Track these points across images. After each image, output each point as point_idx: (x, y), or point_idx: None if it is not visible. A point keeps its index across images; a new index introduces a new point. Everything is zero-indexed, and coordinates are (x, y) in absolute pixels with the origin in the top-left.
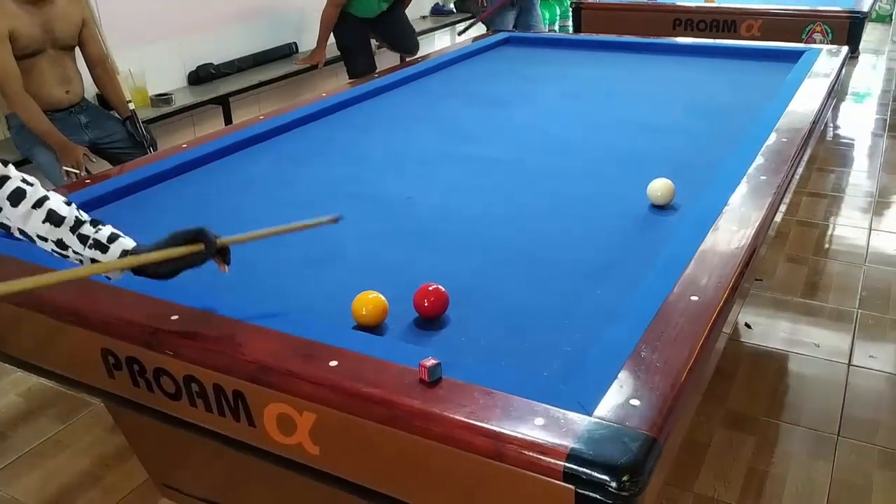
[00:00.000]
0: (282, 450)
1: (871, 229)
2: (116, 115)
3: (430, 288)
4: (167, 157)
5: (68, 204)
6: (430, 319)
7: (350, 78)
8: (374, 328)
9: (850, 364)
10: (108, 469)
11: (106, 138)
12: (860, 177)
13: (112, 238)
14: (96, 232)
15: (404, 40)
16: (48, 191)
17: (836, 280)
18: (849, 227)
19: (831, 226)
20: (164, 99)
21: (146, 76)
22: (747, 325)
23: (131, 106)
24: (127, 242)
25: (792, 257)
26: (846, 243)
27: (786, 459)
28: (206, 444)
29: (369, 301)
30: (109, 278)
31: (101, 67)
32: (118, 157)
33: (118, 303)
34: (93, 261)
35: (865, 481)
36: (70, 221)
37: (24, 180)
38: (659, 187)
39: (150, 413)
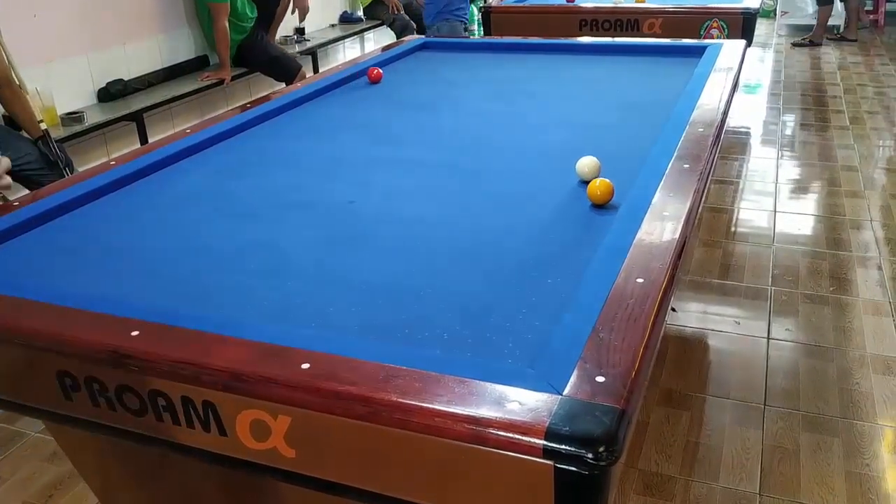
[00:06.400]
0: (255, 456)
1: (775, 211)
2: (27, 135)
3: None
4: (93, 176)
5: None
6: None
7: (287, 84)
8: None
9: (768, 338)
10: (51, 499)
11: (19, 160)
12: (761, 163)
13: None
14: None
15: (275, 67)
16: None
17: (748, 261)
18: (755, 210)
19: (739, 210)
20: (74, 117)
21: (54, 94)
22: (672, 309)
23: (43, 126)
24: None
25: (706, 241)
26: (754, 226)
27: (719, 431)
28: (160, 462)
29: (598, 186)
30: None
31: (8, 87)
32: (33, 180)
33: (73, 323)
34: None
35: (794, 445)
36: None
37: None
38: (586, 163)
39: (111, 432)
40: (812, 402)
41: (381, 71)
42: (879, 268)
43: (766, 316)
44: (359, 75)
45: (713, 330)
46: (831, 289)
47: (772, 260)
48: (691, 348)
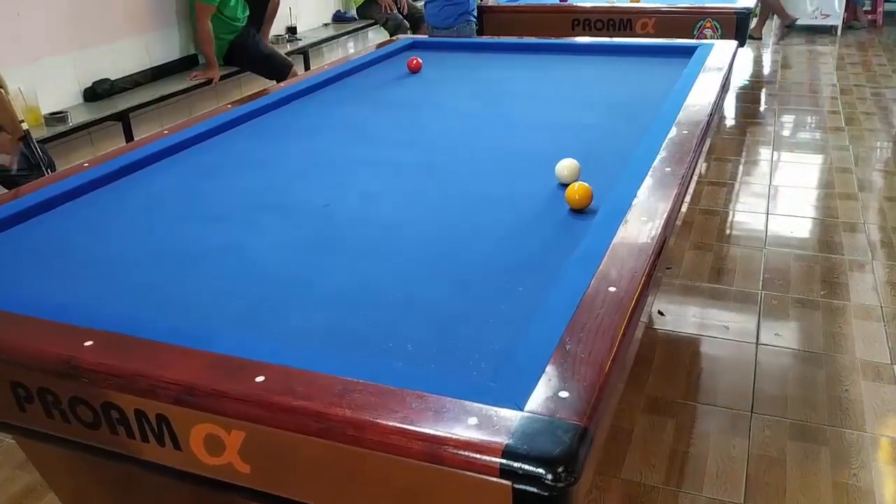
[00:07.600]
0: (210, 471)
1: (768, 214)
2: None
3: None
4: (66, 177)
5: None
6: None
7: (278, 81)
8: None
9: (757, 343)
10: None
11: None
12: (756, 165)
13: None
14: None
15: (267, 65)
16: None
17: (739, 264)
18: (748, 213)
19: (732, 213)
20: (58, 117)
21: (38, 94)
22: (660, 313)
23: (24, 126)
24: None
25: (697, 245)
26: (746, 228)
27: (705, 439)
28: (126, 476)
29: (576, 190)
30: None
31: None
32: (13, 180)
33: (26, 332)
34: None
35: (779, 454)
36: None
37: None
38: (565, 166)
39: (67, 444)
40: (800, 410)
41: (420, 61)
42: (872, 272)
43: (755, 320)
44: (346, 74)
45: (701, 335)
46: (822, 293)
47: (763, 263)
48: (679, 353)
